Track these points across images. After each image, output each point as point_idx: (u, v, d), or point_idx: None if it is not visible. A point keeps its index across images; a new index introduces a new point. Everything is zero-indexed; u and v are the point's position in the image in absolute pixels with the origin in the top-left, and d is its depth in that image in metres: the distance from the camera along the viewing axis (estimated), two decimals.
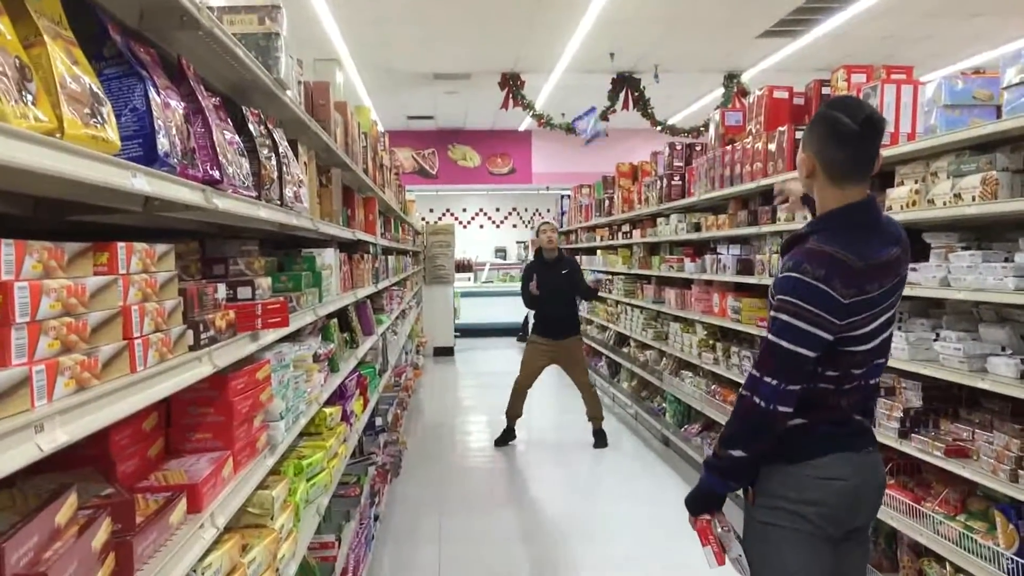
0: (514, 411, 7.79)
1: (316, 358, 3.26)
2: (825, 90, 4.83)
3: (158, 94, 1.59)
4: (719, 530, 2.33)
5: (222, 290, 1.99)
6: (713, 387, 6.32)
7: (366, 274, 5.05)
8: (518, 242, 18.15)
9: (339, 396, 3.87)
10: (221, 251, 2.61)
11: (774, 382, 2.12)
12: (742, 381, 2.31)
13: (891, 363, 3.81)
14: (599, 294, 9.29)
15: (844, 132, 2.14)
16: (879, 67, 4.53)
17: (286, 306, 2.27)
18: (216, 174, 1.83)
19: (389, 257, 7.08)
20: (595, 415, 7.69)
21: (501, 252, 18.35)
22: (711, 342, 6.41)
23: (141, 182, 1.41)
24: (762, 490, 2.30)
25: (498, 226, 18.50)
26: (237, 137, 2.19)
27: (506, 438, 7.80)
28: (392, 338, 7.03)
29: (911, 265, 3.77)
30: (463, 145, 15.54)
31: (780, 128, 4.98)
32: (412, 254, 11.52)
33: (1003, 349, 3.32)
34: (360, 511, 4.35)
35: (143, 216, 1.84)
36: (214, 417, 2.00)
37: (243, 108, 2.38)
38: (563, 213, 14.46)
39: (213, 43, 1.91)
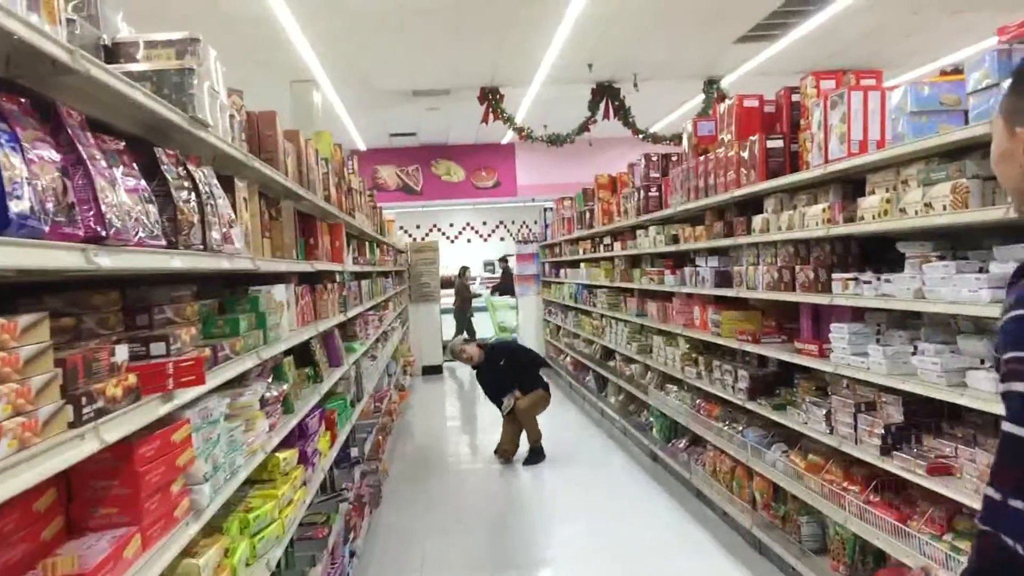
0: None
1: (264, 403, 3.10)
2: (795, 97, 4.69)
3: (17, 148, 1.44)
4: None
5: (122, 352, 1.83)
6: (698, 402, 6.16)
7: (331, 304, 4.89)
8: (506, 256, 18.02)
9: (297, 437, 3.72)
10: (146, 299, 2.46)
11: None
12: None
13: (870, 377, 3.73)
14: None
15: None
16: (849, 72, 4.40)
17: (201, 362, 2.11)
18: (100, 230, 1.67)
19: (363, 282, 6.92)
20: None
21: (490, 266, 18.19)
22: (694, 355, 6.26)
23: None
24: None
25: (485, 240, 18.36)
26: (143, 182, 2.04)
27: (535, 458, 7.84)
28: (369, 364, 6.86)
29: (885, 276, 3.65)
30: (447, 160, 15.40)
31: (752, 137, 4.85)
32: (395, 274, 11.36)
33: (982, 362, 3.16)
34: (330, 551, 4.19)
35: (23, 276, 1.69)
36: (119, 490, 1.85)
37: (156, 149, 2.24)
38: (546, 226, 14.32)
39: (97, 87, 1.76)
